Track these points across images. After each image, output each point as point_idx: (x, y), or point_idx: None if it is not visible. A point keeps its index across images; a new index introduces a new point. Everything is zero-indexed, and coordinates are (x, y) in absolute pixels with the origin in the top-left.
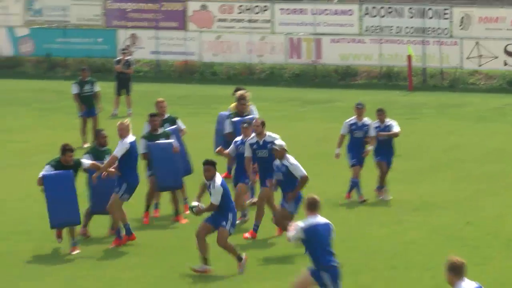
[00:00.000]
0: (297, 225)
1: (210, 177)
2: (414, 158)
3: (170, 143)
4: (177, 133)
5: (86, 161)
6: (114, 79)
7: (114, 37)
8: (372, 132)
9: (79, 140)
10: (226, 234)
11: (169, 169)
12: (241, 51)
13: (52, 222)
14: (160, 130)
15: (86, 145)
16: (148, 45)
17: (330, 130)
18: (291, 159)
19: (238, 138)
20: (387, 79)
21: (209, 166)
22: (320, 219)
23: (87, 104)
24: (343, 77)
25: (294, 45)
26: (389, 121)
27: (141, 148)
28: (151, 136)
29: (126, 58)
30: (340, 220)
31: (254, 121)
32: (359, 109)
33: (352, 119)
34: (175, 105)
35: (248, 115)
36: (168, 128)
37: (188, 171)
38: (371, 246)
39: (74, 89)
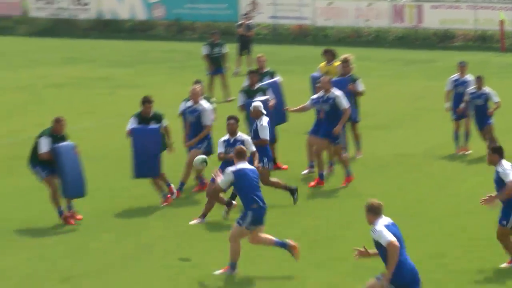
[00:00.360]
0: (227, 170)
1: (235, 131)
2: (505, 114)
3: (264, 100)
4: (275, 85)
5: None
6: (236, 41)
7: (236, 3)
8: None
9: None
10: (219, 187)
11: None
12: (350, 16)
13: (135, 173)
14: (257, 85)
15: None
16: (266, 11)
17: (429, 88)
18: (263, 121)
19: (315, 96)
20: (482, 41)
21: (233, 120)
22: (247, 165)
23: (215, 64)
24: (442, 40)
25: (397, 10)
26: (486, 89)
27: (239, 101)
28: (249, 91)
29: (247, 22)
30: (437, 170)
31: (322, 77)
32: (462, 67)
33: (455, 75)
34: (290, 64)
35: (350, 76)
36: (266, 82)
37: (283, 119)
38: (467, 191)
39: (204, 50)
